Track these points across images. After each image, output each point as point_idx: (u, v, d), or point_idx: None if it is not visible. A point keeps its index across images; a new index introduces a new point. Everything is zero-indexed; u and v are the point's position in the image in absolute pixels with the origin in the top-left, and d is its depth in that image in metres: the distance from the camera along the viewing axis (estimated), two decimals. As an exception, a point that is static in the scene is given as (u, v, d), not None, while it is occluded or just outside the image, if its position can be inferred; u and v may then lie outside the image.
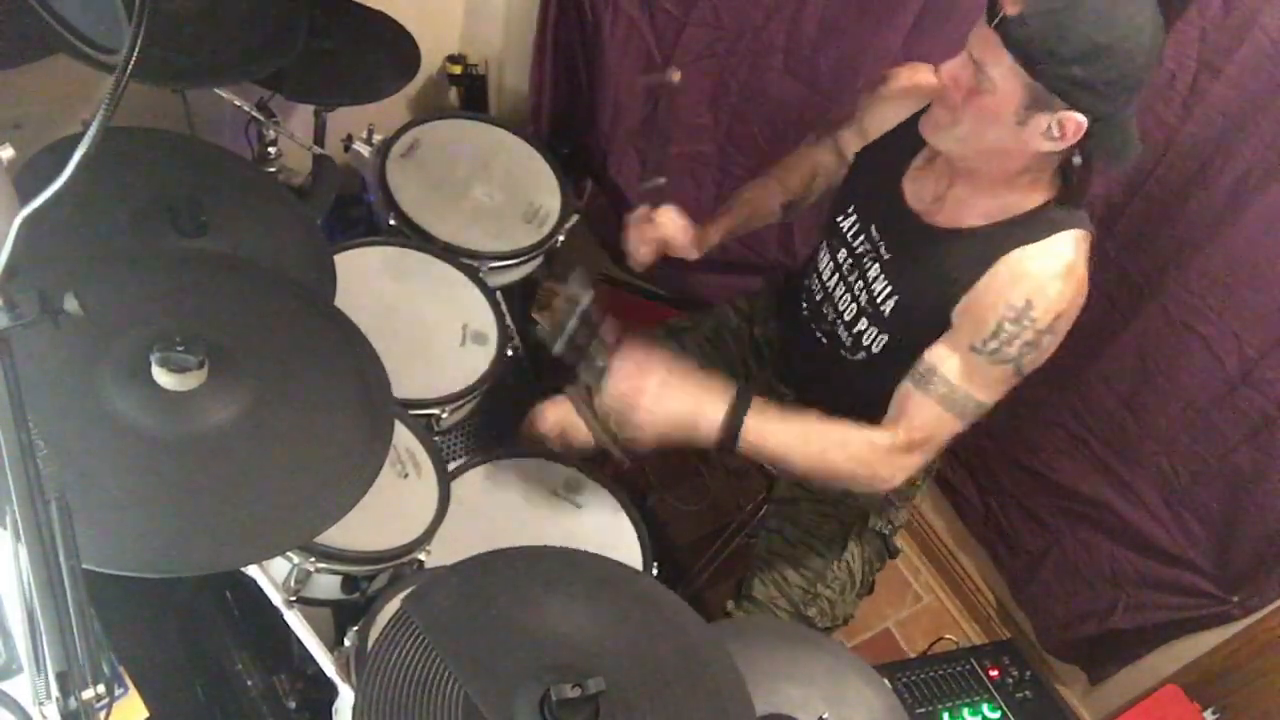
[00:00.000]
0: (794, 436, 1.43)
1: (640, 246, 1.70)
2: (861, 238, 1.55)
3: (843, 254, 1.58)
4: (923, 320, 1.44)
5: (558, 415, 1.80)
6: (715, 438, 1.40)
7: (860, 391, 1.49)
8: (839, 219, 1.60)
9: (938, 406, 1.40)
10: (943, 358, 1.40)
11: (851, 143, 1.63)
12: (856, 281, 1.56)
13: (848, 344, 1.58)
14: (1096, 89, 1.21)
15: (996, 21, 1.23)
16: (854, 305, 1.56)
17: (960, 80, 1.30)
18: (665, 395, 1.38)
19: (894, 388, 1.45)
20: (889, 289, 1.49)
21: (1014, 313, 1.34)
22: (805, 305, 1.69)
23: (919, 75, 1.53)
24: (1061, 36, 1.20)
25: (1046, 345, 1.36)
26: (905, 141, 1.45)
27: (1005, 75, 1.25)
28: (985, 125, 1.30)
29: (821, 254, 1.64)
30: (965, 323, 1.39)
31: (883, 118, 1.55)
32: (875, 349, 1.54)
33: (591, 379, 1.40)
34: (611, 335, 1.39)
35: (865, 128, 1.60)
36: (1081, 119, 1.24)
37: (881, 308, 1.50)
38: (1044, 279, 1.34)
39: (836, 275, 1.60)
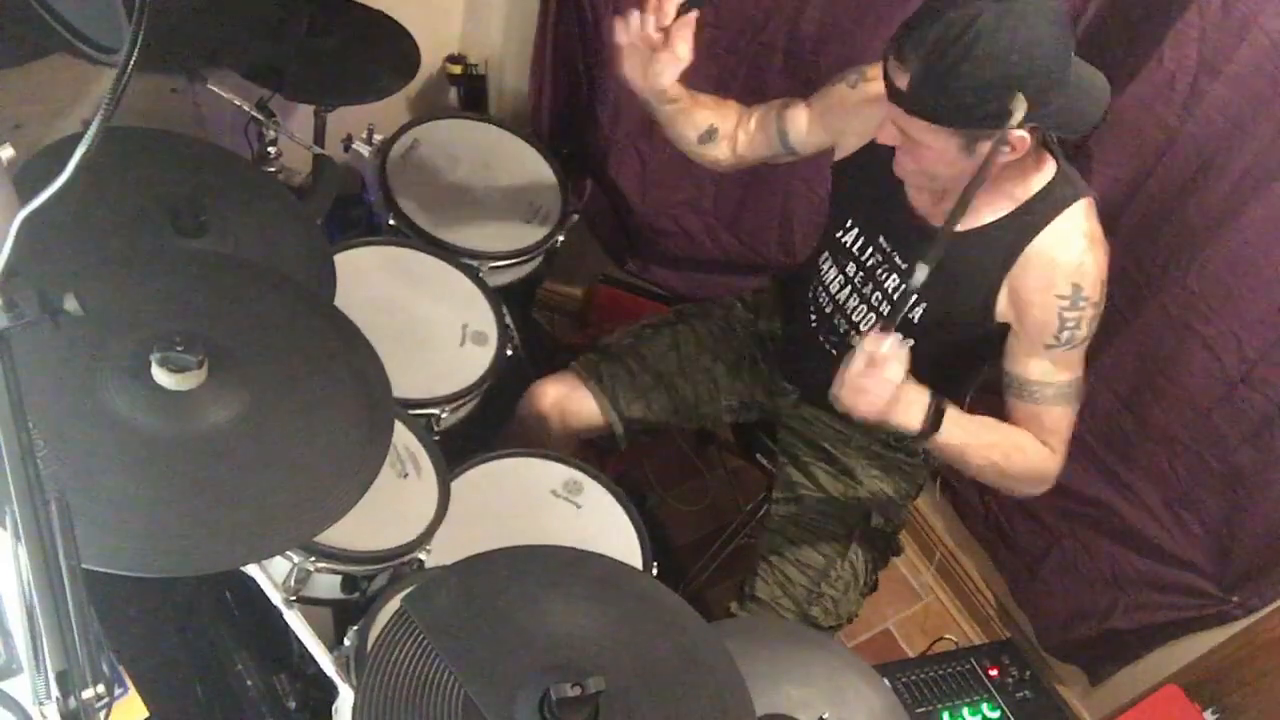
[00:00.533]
0: (984, 432, 1.44)
1: (665, 65, 1.52)
2: (870, 250, 1.56)
3: (851, 268, 1.59)
4: (958, 321, 1.47)
5: (557, 393, 1.80)
6: (918, 420, 1.37)
7: None
8: (839, 235, 1.60)
9: (1055, 406, 1.44)
10: (1028, 366, 1.43)
11: (809, 128, 1.61)
12: (873, 294, 1.57)
13: None
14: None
15: (896, 97, 1.26)
16: (872, 315, 1.58)
17: (897, 140, 1.33)
18: (893, 378, 1.32)
19: None
20: (914, 298, 1.50)
21: (1067, 301, 1.37)
22: (813, 317, 1.69)
23: None
24: (957, 92, 1.21)
25: (1100, 311, 1.41)
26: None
27: (929, 135, 1.28)
28: (941, 167, 1.34)
29: (826, 269, 1.64)
30: (1027, 328, 1.42)
31: (865, 124, 1.52)
32: None
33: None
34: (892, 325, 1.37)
35: (841, 128, 1.58)
36: (1023, 133, 1.25)
37: (909, 315, 1.52)
38: (1077, 258, 1.38)
39: (848, 288, 1.61)
